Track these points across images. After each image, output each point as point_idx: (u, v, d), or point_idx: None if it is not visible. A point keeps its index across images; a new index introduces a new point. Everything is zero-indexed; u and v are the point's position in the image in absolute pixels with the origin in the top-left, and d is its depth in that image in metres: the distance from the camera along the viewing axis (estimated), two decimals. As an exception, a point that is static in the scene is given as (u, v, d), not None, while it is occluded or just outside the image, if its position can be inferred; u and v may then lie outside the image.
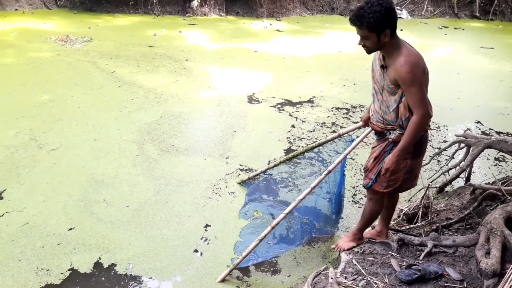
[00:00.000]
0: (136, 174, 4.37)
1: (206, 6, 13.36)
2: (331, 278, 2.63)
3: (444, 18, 15.75)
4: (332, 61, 9.08)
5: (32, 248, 3.28)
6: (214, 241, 3.49)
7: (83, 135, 5.09)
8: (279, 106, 6.45)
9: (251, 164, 4.69)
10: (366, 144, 5.31)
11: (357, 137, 3.24)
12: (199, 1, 13.13)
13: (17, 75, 6.94)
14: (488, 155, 5.21)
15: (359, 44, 2.53)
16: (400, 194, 3.21)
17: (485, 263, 2.52)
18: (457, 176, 4.03)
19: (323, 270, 2.86)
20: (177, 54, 8.80)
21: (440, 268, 2.74)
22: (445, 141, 5.57)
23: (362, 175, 4.59)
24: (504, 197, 3.29)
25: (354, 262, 2.89)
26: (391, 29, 2.40)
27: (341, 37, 11.40)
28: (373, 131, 2.88)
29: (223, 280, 3.08)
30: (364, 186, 2.95)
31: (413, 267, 2.75)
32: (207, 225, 3.69)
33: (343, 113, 6.33)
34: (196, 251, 3.38)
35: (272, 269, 3.27)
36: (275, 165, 4.10)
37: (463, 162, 4.02)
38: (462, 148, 4.23)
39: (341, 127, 5.82)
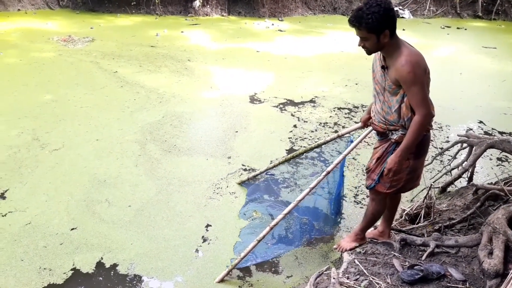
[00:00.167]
0: (138, 174, 4.37)
1: (208, 6, 13.36)
2: (333, 278, 2.63)
3: (447, 18, 15.71)
4: (334, 61, 9.07)
5: (34, 248, 3.29)
6: (214, 241, 3.50)
7: (85, 135, 5.10)
8: (281, 106, 6.45)
9: (253, 164, 4.69)
10: (368, 144, 5.30)
11: (358, 136, 3.23)
12: (201, 1, 13.14)
13: (20, 75, 6.95)
14: (491, 155, 5.19)
15: (359, 45, 2.53)
16: (402, 194, 3.20)
17: (487, 264, 2.51)
18: (459, 176, 4.02)
19: (325, 270, 2.85)
20: (179, 54, 8.80)
21: (443, 268, 2.73)
22: (448, 141, 5.56)
23: (364, 175, 4.58)
24: (506, 197, 3.29)
25: (357, 262, 2.88)
26: (391, 29, 2.40)
27: (343, 37, 11.38)
28: (374, 132, 2.87)
29: (221, 281, 3.08)
30: (366, 187, 2.94)
31: (416, 267, 2.74)
32: (208, 225, 3.69)
33: (345, 113, 6.33)
34: (197, 251, 3.38)
35: (273, 269, 3.27)
36: (274, 166, 4.11)
37: (465, 162, 4.01)
38: (465, 148, 4.22)
39: (343, 127, 5.81)
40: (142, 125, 5.44)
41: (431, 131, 2.71)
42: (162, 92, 6.63)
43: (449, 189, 4.21)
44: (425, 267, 2.69)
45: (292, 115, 6.15)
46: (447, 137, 5.77)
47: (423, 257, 2.89)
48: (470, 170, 4.07)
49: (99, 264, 3.18)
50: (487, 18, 15.68)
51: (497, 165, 5.02)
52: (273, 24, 12.76)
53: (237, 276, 3.16)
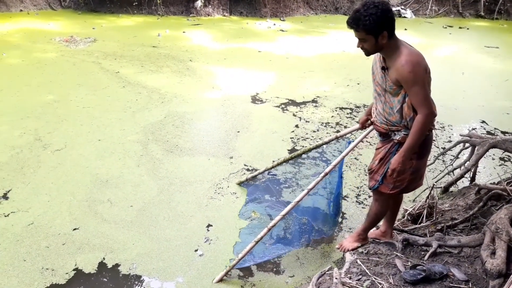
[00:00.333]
0: (140, 174, 4.38)
1: (210, 6, 13.37)
2: (336, 278, 2.63)
3: (449, 17, 15.68)
4: (336, 61, 9.06)
5: (37, 248, 3.30)
6: (215, 241, 3.50)
7: (87, 135, 5.11)
8: (283, 106, 6.45)
9: (255, 164, 4.69)
10: (370, 144, 5.30)
11: (357, 138, 3.23)
12: (202, 1, 13.15)
13: (22, 75, 6.97)
14: (493, 155, 5.18)
15: (358, 46, 2.53)
16: (404, 194, 3.20)
17: (490, 264, 2.51)
18: (462, 176, 4.01)
19: (327, 271, 2.85)
20: (181, 55, 8.81)
21: (445, 268, 2.73)
22: (450, 141, 5.55)
23: (366, 175, 4.58)
24: (509, 197, 3.27)
25: (359, 262, 2.88)
26: (389, 30, 2.40)
27: (345, 36, 11.36)
28: (376, 132, 2.87)
29: (220, 280, 3.08)
30: (370, 188, 2.92)
31: (418, 267, 2.74)
32: (209, 225, 3.69)
33: (347, 113, 6.32)
34: (198, 251, 3.38)
35: (275, 269, 3.27)
36: (272, 167, 4.11)
37: (468, 162, 4.00)
38: (467, 148, 4.21)
39: (345, 127, 5.81)
40: (144, 125, 5.45)
41: (433, 131, 2.70)
42: (164, 92, 6.63)
43: (451, 189, 4.21)
44: (428, 267, 2.68)
45: (294, 115, 6.14)
46: (449, 137, 5.76)
47: (426, 257, 2.89)
48: (472, 170, 4.06)
49: (101, 265, 3.18)
50: (489, 17, 15.64)
51: (500, 165, 5.01)
52: (274, 24, 12.76)
53: (238, 276, 3.16)
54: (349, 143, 3.20)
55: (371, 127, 3.03)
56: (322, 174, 3.10)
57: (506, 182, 3.57)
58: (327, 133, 5.60)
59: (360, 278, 2.70)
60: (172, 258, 3.28)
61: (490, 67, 9.46)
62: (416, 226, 3.48)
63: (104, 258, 3.23)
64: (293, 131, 5.60)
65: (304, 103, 6.63)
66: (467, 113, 6.67)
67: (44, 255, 3.23)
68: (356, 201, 4.18)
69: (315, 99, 6.80)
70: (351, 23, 2.42)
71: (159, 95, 6.49)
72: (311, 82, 7.68)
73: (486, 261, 2.54)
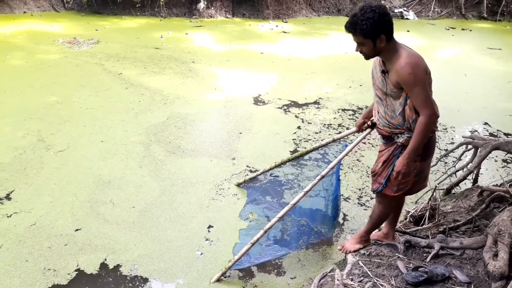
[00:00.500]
0: (142, 175, 4.39)
1: (213, 8, 13.40)
2: (337, 280, 2.63)
3: (451, 19, 15.67)
4: (338, 63, 9.06)
5: (39, 248, 3.30)
6: (216, 242, 3.50)
7: (90, 137, 5.13)
8: (285, 107, 6.45)
9: (257, 165, 4.69)
10: (372, 146, 5.29)
11: (354, 140, 3.23)
12: (205, 3, 13.18)
13: (25, 77, 7.00)
14: (496, 156, 5.17)
15: (356, 50, 2.55)
16: (406, 196, 3.19)
17: (492, 266, 2.50)
18: (464, 178, 4.00)
19: (329, 272, 2.85)
20: (183, 56, 8.83)
21: (447, 270, 2.72)
22: (452, 143, 5.54)
23: (368, 177, 4.57)
24: (512, 199, 3.27)
25: (361, 264, 2.87)
26: (387, 34, 2.40)
27: (347, 38, 11.30)
28: (379, 135, 2.86)
29: (217, 281, 3.08)
30: (373, 191, 2.91)
31: (420, 269, 2.73)
32: (210, 226, 3.69)
33: (349, 115, 6.32)
34: (198, 252, 3.38)
35: (276, 270, 3.27)
36: (270, 169, 4.13)
37: (470, 164, 3.99)
38: (470, 149, 4.20)
39: (347, 128, 5.80)
40: (146, 127, 5.46)
41: (436, 132, 2.70)
42: (167, 93, 6.65)
43: (453, 191, 4.19)
44: (430, 269, 2.67)
45: (296, 116, 6.14)
46: (452, 138, 5.74)
47: (428, 259, 2.88)
48: (475, 172, 4.05)
49: (103, 265, 3.18)
50: (492, 19, 15.62)
51: (502, 167, 4.99)
52: (277, 26, 12.78)
53: (240, 277, 3.16)
54: (346, 146, 3.22)
55: (368, 130, 3.06)
56: (319, 177, 3.12)
57: (508, 184, 3.55)
58: (329, 134, 5.60)
59: (362, 280, 2.70)
60: (173, 259, 3.29)
61: (492, 68, 9.45)
62: (418, 228, 3.47)
63: (105, 259, 3.24)
64: (295, 133, 5.60)
65: (306, 104, 6.63)
66: (470, 115, 6.66)
67: (46, 255, 3.24)
68: (358, 203, 4.18)
69: (317, 101, 6.80)
70: (349, 27, 2.44)
71: (162, 97, 6.50)
72: (313, 83, 7.68)
73: (488, 263, 2.54)
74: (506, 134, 5.97)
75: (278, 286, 3.12)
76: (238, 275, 3.18)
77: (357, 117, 6.23)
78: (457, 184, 4.07)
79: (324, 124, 5.92)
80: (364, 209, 4.07)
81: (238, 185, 4.30)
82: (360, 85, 7.62)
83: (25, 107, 5.84)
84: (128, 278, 3.10)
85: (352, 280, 2.70)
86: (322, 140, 5.39)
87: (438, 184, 4.21)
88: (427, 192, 3.86)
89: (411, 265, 2.84)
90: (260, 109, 6.34)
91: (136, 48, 9.16)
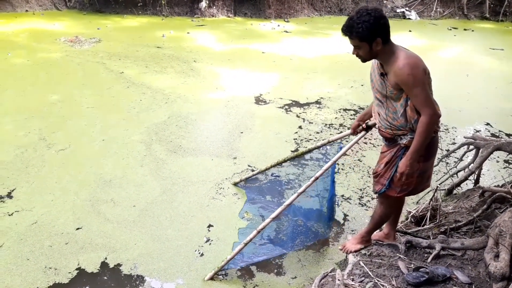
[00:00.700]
0: (143, 174, 4.39)
1: (214, 7, 13.40)
2: (338, 280, 2.62)
3: (454, 19, 15.63)
4: (339, 62, 9.05)
5: (40, 247, 3.31)
6: (216, 242, 3.50)
7: (91, 135, 5.13)
8: (286, 107, 6.45)
9: (259, 165, 4.68)
10: (373, 146, 5.29)
11: (348, 143, 3.25)
12: (207, 2, 13.18)
13: (27, 75, 7.01)
14: (498, 157, 5.15)
15: (353, 53, 2.57)
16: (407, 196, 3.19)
17: (494, 266, 2.49)
18: (466, 179, 3.99)
19: (330, 272, 2.84)
20: (185, 55, 8.83)
21: (448, 271, 2.71)
22: (454, 143, 5.53)
23: (369, 177, 4.57)
24: (513, 200, 3.26)
25: (362, 264, 2.87)
26: (383, 37, 2.41)
27: (349, 38, 11.35)
28: (382, 138, 2.86)
29: (211, 279, 3.10)
30: (375, 192, 2.89)
31: (421, 269, 2.72)
32: (210, 225, 3.69)
33: (351, 114, 6.31)
34: (198, 251, 3.38)
35: (276, 270, 3.26)
36: (266, 169, 4.13)
37: (472, 164, 3.98)
38: (471, 150, 4.19)
39: (349, 128, 5.77)
40: (148, 126, 5.46)
41: (438, 132, 2.69)
42: (168, 93, 6.65)
43: (455, 191, 4.18)
44: (431, 270, 2.67)
45: (298, 116, 6.14)
46: (454, 139, 5.73)
47: (429, 260, 2.87)
48: (476, 172, 4.04)
49: (103, 264, 3.19)
50: (494, 19, 15.58)
51: (504, 168, 4.98)
52: (279, 25, 12.77)
53: (240, 277, 3.16)
54: (341, 148, 3.22)
55: (363, 133, 3.08)
56: (313, 179, 3.13)
57: (510, 185, 3.54)
58: (330, 134, 5.60)
59: (362, 280, 2.69)
60: (173, 258, 3.29)
61: (495, 69, 9.42)
62: (420, 228, 3.47)
63: (106, 258, 3.24)
64: (296, 132, 5.59)
65: (308, 104, 6.63)
66: (472, 115, 6.64)
67: (47, 254, 3.24)
68: (359, 203, 4.17)
69: (318, 100, 6.80)
70: (345, 31, 2.46)
71: (163, 96, 6.50)
72: (315, 83, 7.67)
73: (490, 264, 2.53)
74: (508, 135, 5.95)
75: (279, 286, 3.12)
76: (238, 274, 3.18)
77: (358, 117, 6.22)
78: (458, 184, 4.06)
79: (326, 124, 5.92)
80: (365, 210, 4.06)
81: (235, 184, 4.30)
82: (362, 85, 7.61)
83: (27, 105, 5.85)
84: (128, 277, 3.10)
85: (353, 280, 2.69)
86: (323, 139, 5.38)
87: (439, 184, 4.20)
88: (428, 192, 3.86)
89: (412, 265, 2.83)
90: (261, 109, 6.33)
91: (138, 47, 9.16)
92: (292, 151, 5.06)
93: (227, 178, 4.41)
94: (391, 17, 15.14)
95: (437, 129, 2.62)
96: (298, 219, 3.71)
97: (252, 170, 4.57)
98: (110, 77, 7.18)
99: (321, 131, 5.67)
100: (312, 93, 7.11)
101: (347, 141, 3.81)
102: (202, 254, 3.35)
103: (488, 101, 7.32)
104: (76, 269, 3.12)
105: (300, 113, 6.23)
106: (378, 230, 3.25)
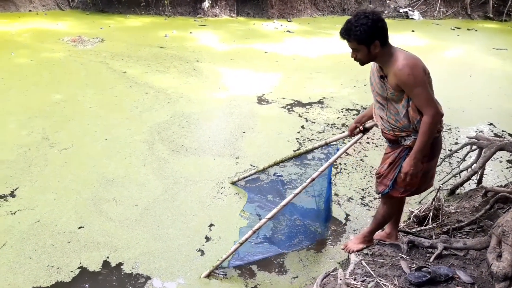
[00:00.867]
0: (145, 173, 4.40)
1: (217, 7, 13.41)
2: (340, 279, 2.62)
3: (457, 19, 15.58)
4: (342, 62, 9.03)
5: (43, 245, 3.32)
6: (217, 241, 3.50)
7: (94, 135, 5.14)
8: (289, 107, 6.44)
9: (261, 164, 4.67)
10: (376, 146, 5.28)
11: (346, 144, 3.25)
12: (210, 2, 13.19)
13: (30, 75, 7.03)
14: (501, 157, 5.13)
15: (351, 57, 2.58)
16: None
17: (496, 266, 2.49)
18: (468, 179, 3.98)
19: (332, 271, 2.84)
20: (187, 55, 8.84)
21: (451, 270, 2.71)
22: (457, 143, 5.51)
23: (371, 177, 4.56)
24: (516, 200, 3.25)
25: (364, 263, 2.87)
26: (381, 39, 2.42)
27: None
28: (385, 140, 2.85)
29: (207, 276, 3.11)
30: (379, 193, 2.88)
31: (423, 269, 2.72)
32: (211, 225, 3.70)
33: (353, 114, 6.30)
34: (200, 250, 3.39)
35: (277, 270, 3.26)
36: (264, 169, 4.15)
37: (475, 165, 3.96)
38: (474, 150, 4.17)
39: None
40: (150, 125, 5.47)
41: (441, 132, 2.68)
42: (171, 92, 6.66)
43: (458, 191, 4.17)
44: (433, 269, 2.66)
45: (300, 116, 6.13)
46: (456, 139, 5.72)
47: (431, 259, 2.87)
48: (479, 173, 4.02)
49: (105, 263, 3.19)
50: (498, 19, 15.51)
51: (507, 168, 4.96)
52: (281, 25, 12.76)
53: (242, 276, 3.16)
54: (338, 150, 3.23)
55: (360, 135, 3.10)
56: (309, 180, 3.15)
57: (513, 185, 3.54)
58: (333, 134, 5.59)
59: (364, 280, 2.69)
60: (174, 258, 3.29)
61: (498, 69, 9.39)
62: (422, 228, 3.46)
63: (108, 257, 3.25)
64: (298, 132, 5.59)
65: (310, 104, 6.62)
66: (475, 115, 6.62)
67: (49, 252, 3.25)
68: (361, 203, 4.16)
69: (321, 100, 6.79)
70: (343, 34, 2.48)
71: (166, 95, 6.51)
72: (317, 83, 7.67)
73: (492, 264, 2.52)
74: (511, 135, 5.93)
75: (281, 285, 3.12)
76: (239, 274, 3.18)
77: (361, 117, 6.21)
78: (461, 184, 4.04)
79: (328, 124, 5.91)
80: (367, 209, 4.05)
81: (233, 183, 4.31)
82: (364, 85, 7.59)
83: (30, 105, 5.87)
84: (129, 276, 3.10)
85: (355, 279, 2.69)
86: (326, 139, 5.37)
87: (442, 184, 4.19)
88: (431, 192, 3.85)
89: (414, 265, 2.83)
90: (264, 108, 6.33)
91: (141, 47, 9.17)
92: (294, 151, 5.05)
93: (229, 178, 4.41)
94: (394, 17, 15.13)
95: (440, 128, 2.61)
96: (297, 219, 3.72)
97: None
98: (113, 77, 7.19)
99: (324, 131, 5.67)
100: (314, 93, 7.11)
101: (345, 143, 3.81)
102: (204, 253, 3.35)
103: (491, 101, 7.29)
104: (78, 268, 3.13)
105: (302, 113, 6.23)
106: (380, 230, 3.25)
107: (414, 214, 3.64)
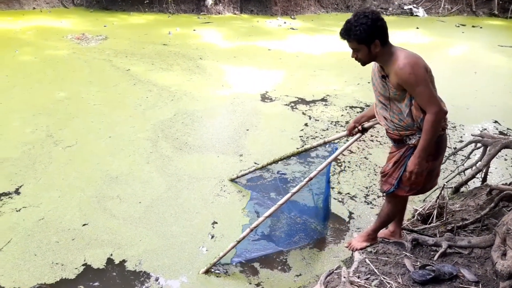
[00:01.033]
0: (149, 171, 4.40)
1: (221, 4, 13.38)
2: (344, 277, 2.61)
3: (462, 16, 15.49)
4: (346, 59, 8.99)
5: (47, 243, 3.33)
6: (220, 238, 3.51)
7: (98, 132, 5.15)
8: (292, 104, 6.43)
9: (264, 162, 4.67)
10: (380, 144, 5.26)
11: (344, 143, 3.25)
12: (213, -1, 13.17)
13: (34, 72, 7.05)
14: (506, 155, 5.11)
15: (352, 57, 2.57)
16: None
17: (501, 265, 2.47)
18: (473, 177, 3.96)
19: (335, 269, 2.84)
20: (191, 53, 8.83)
21: (455, 269, 2.70)
22: (461, 141, 5.48)
23: (375, 175, 4.55)
24: (521, 198, 3.23)
25: (367, 261, 2.86)
26: (381, 39, 2.42)
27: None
28: (390, 139, 2.84)
29: (205, 272, 3.13)
30: (384, 192, 2.87)
31: (427, 267, 2.71)
32: (214, 222, 3.70)
33: (357, 112, 6.28)
34: (203, 248, 3.39)
35: (280, 267, 3.27)
36: (262, 166, 4.15)
37: (479, 162, 3.95)
38: (479, 148, 4.16)
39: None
40: (154, 123, 5.48)
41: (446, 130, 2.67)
42: (174, 90, 6.66)
43: (462, 189, 4.16)
44: (437, 268, 2.66)
45: (304, 113, 6.12)
46: (461, 136, 5.69)
47: (435, 258, 2.86)
48: (484, 171, 4.01)
49: (109, 260, 3.21)
50: (503, 16, 15.41)
51: (512, 166, 4.94)
52: (285, 22, 12.73)
53: (245, 274, 3.17)
54: (336, 149, 3.23)
55: (358, 135, 3.09)
56: (307, 179, 3.15)
57: (518, 183, 3.52)
58: (336, 131, 5.58)
59: (368, 278, 2.69)
60: (177, 255, 3.30)
61: (503, 66, 9.33)
62: (426, 226, 3.45)
63: (111, 254, 3.26)
64: (302, 130, 5.58)
65: (314, 101, 6.61)
66: (479, 113, 6.58)
67: (54, 250, 3.27)
68: (365, 201, 4.15)
69: (325, 98, 6.77)
70: (343, 34, 2.48)
71: (169, 93, 6.51)
72: (321, 80, 7.65)
73: (497, 262, 2.51)
74: (516, 133, 5.90)
75: (284, 283, 3.12)
76: (242, 271, 3.19)
77: (365, 115, 6.19)
78: (465, 182, 4.03)
79: (332, 121, 5.90)
80: (371, 207, 4.05)
81: (232, 180, 4.31)
82: (368, 82, 7.56)
83: (34, 102, 5.88)
84: (133, 273, 3.12)
85: (358, 277, 2.69)
86: (325, 138, 5.36)
87: (446, 182, 4.18)
88: (435, 190, 3.82)
89: (418, 263, 2.82)
90: (267, 106, 6.32)
91: (144, 45, 9.17)
92: (297, 149, 5.04)
93: (232, 175, 4.41)
94: (398, 14, 15.05)
95: (445, 126, 2.60)
96: (296, 217, 3.71)
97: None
98: (116, 74, 7.20)
99: (327, 129, 5.66)
100: (318, 90, 7.09)
101: (344, 142, 3.80)
102: (207, 251, 3.36)
103: (496, 98, 7.25)
104: (83, 265, 3.14)
105: (306, 111, 6.22)
106: (384, 228, 3.24)
107: (418, 212, 3.63)
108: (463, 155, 4.81)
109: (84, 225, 3.56)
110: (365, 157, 4.95)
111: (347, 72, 8.15)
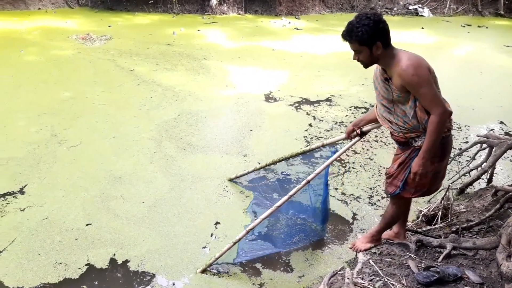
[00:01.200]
0: (153, 170, 4.41)
1: (225, 4, 13.39)
2: (348, 278, 2.60)
3: (467, 16, 15.41)
4: (350, 60, 8.84)
5: (51, 242, 3.34)
6: (223, 239, 3.50)
7: (102, 132, 5.17)
8: (297, 104, 6.42)
9: (263, 163, 4.67)
10: (385, 144, 5.23)
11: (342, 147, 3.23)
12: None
13: (40, 72, 7.08)
14: (511, 156, 5.07)
15: (354, 59, 2.58)
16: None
17: (506, 266, 2.45)
18: (478, 178, 3.93)
19: (339, 270, 2.83)
20: (195, 53, 8.84)
21: (460, 270, 2.68)
22: (467, 142, 5.45)
23: (380, 176, 4.53)
24: (527, 200, 3.20)
25: (371, 262, 2.84)
26: (383, 41, 2.41)
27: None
28: (395, 142, 2.83)
29: (203, 272, 3.13)
30: (389, 194, 2.85)
31: (432, 269, 2.69)
32: (217, 223, 3.70)
33: (362, 112, 6.26)
34: (205, 248, 3.39)
35: (283, 268, 3.26)
36: (261, 167, 4.14)
37: (485, 163, 3.92)
38: (484, 149, 4.13)
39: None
40: (158, 123, 5.48)
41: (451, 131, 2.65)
42: (178, 90, 6.66)
43: (467, 190, 4.13)
44: (441, 269, 2.64)
45: (308, 114, 6.11)
46: (466, 137, 5.65)
47: (440, 259, 2.84)
48: (489, 172, 3.98)
49: (112, 260, 3.21)
50: (509, 16, 15.31)
51: (518, 167, 4.90)
52: (289, 23, 12.71)
53: (248, 274, 3.16)
54: (334, 152, 3.22)
55: (357, 138, 3.10)
56: (304, 182, 3.14)
57: (524, 184, 3.49)
58: (341, 132, 5.55)
59: (372, 279, 2.67)
60: (180, 255, 3.30)
61: (509, 66, 9.26)
62: (431, 227, 3.43)
63: (115, 254, 3.26)
64: (306, 130, 5.57)
65: (318, 102, 6.59)
66: (485, 114, 6.54)
67: (57, 249, 3.28)
68: (369, 202, 4.13)
69: (329, 98, 6.75)
70: (345, 35, 2.48)
71: (173, 93, 6.52)
72: (325, 80, 7.63)
73: (502, 264, 2.49)
74: (522, 133, 5.85)
75: (287, 284, 3.11)
76: (245, 271, 3.18)
77: (369, 115, 6.16)
78: (471, 183, 4.00)
79: (336, 122, 5.88)
80: (375, 209, 4.03)
81: (231, 180, 4.31)
82: (373, 82, 7.53)
83: (39, 102, 5.91)
84: (136, 273, 3.12)
85: (362, 278, 2.67)
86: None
87: (451, 183, 4.15)
88: (440, 191, 3.80)
89: (422, 264, 2.81)
90: (271, 106, 6.31)
91: (149, 45, 9.19)
92: (301, 149, 5.03)
93: (232, 176, 4.40)
94: (403, 14, 15.00)
95: (450, 127, 2.58)
96: (296, 218, 3.70)
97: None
98: (121, 74, 7.22)
99: (332, 129, 5.64)
100: (322, 90, 7.07)
101: (343, 144, 3.79)
102: (210, 251, 3.35)
103: (502, 99, 7.20)
104: (86, 265, 3.15)
105: (310, 111, 6.20)
106: (388, 229, 3.22)
107: (423, 213, 3.61)
108: (468, 156, 4.77)
109: (87, 225, 3.57)
110: (369, 158, 4.93)
111: (352, 72, 8.12)
